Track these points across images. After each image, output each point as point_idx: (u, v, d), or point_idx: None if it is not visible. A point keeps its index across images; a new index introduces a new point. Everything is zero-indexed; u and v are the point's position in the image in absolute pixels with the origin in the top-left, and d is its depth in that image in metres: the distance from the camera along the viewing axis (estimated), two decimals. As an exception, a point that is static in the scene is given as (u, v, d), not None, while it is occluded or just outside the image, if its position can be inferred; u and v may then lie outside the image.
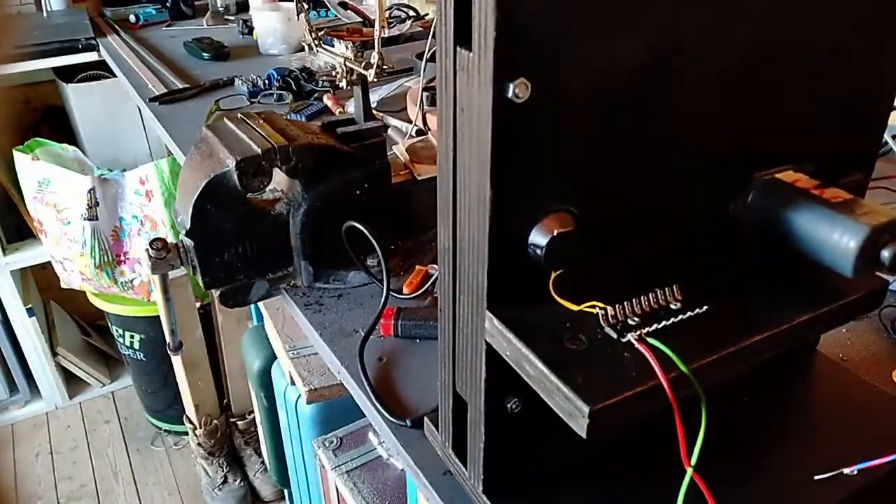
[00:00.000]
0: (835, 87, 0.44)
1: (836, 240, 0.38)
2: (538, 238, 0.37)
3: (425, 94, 1.03)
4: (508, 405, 0.43)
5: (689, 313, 0.38)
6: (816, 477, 0.44)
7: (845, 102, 0.45)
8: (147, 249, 0.68)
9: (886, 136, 0.94)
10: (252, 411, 1.78)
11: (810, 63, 0.42)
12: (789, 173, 0.44)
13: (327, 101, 1.22)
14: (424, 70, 1.02)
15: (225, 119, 0.72)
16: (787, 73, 0.42)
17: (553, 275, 0.39)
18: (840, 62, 0.44)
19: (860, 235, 0.37)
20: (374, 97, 1.22)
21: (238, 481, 1.80)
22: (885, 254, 0.38)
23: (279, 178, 0.71)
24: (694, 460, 0.35)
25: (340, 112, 1.18)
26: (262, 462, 1.81)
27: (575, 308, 0.38)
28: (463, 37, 0.34)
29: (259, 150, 0.65)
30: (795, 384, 0.56)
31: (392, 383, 0.62)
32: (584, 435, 0.33)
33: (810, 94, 0.44)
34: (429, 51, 1.07)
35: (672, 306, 0.38)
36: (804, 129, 0.45)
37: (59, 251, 1.67)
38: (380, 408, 0.58)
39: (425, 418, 0.53)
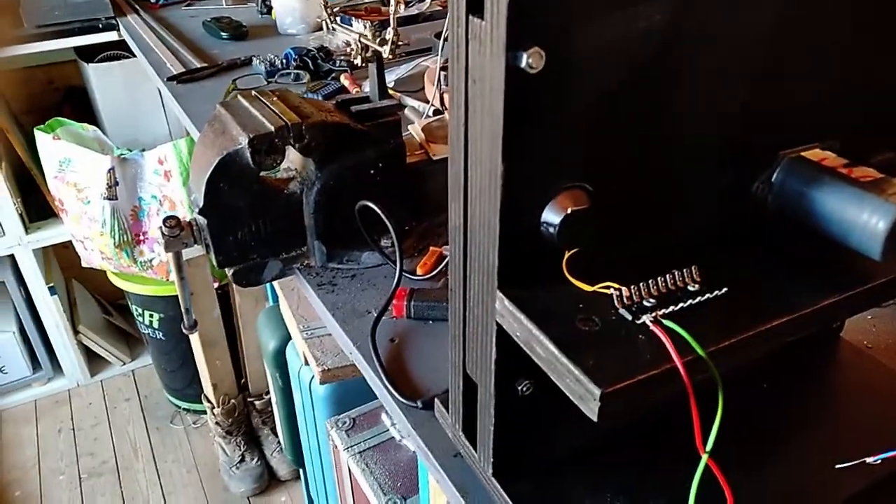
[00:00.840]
0: (864, 61, 0.42)
1: (865, 220, 0.37)
2: (551, 216, 0.36)
3: (443, 73, 1.01)
4: (519, 387, 0.42)
5: (707, 295, 0.37)
6: (837, 465, 0.42)
7: (876, 77, 0.43)
8: (160, 227, 0.68)
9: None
10: (269, 391, 1.79)
11: (837, 36, 0.40)
12: (816, 151, 0.42)
13: (344, 80, 1.21)
14: (442, 49, 1.00)
15: (239, 97, 0.71)
16: (813, 47, 0.40)
17: (566, 254, 0.38)
18: (869, 35, 0.42)
19: (890, 216, 0.36)
20: (392, 77, 1.21)
21: (255, 460, 1.81)
22: (916, 236, 0.36)
23: (293, 157, 0.70)
24: (709, 446, 0.33)
25: (357, 91, 1.17)
26: (279, 441, 1.82)
27: (588, 289, 0.37)
28: (476, 5, 0.32)
29: (272, 128, 0.64)
30: (818, 371, 0.54)
31: (404, 364, 0.61)
32: (595, 418, 0.32)
33: (838, 69, 0.42)
34: (446, 30, 1.05)
35: (690, 288, 0.37)
36: (832, 105, 0.43)
37: (79, 230, 1.69)
38: (391, 389, 0.57)
39: (436, 400, 0.53)
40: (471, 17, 0.33)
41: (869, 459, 0.41)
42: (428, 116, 0.98)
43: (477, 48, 0.33)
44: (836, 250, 0.39)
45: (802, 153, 0.42)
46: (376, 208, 0.68)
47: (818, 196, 0.39)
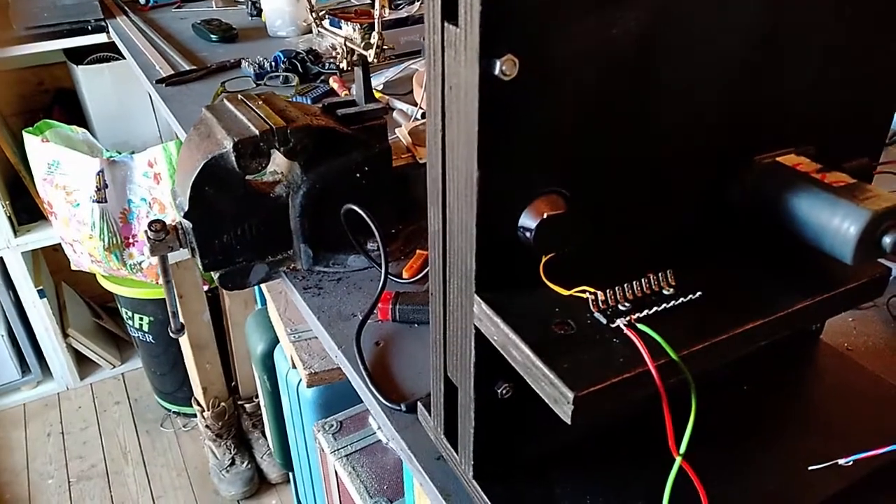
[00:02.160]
0: (840, 67, 0.43)
1: (837, 225, 0.37)
2: (528, 220, 0.37)
3: (431, 76, 1.01)
4: (498, 390, 0.42)
5: (681, 299, 0.37)
6: (810, 467, 0.43)
7: (851, 83, 0.44)
8: (145, 231, 0.68)
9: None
10: (259, 394, 1.79)
11: (812, 43, 0.41)
12: (791, 157, 0.42)
13: (333, 83, 1.21)
14: (430, 52, 1.01)
15: (224, 100, 0.71)
16: (789, 53, 0.40)
17: (543, 259, 0.38)
18: (846, 42, 0.42)
19: (861, 221, 0.36)
20: (381, 79, 1.21)
21: (245, 463, 1.81)
22: (887, 240, 0.36)
23: (278, 160, 0.70)
24: (683, 448, 0.34)
25: (346, 94, 1.17)
26: (269, 444, 1.82)
27: (565, 293, 0.37)
28: (450, 12, 0.33)
29: (257, 132, 0.64)
30: (798, 373, 0.55)
31: (388, 367, 0.62)
32: (568, 421, 0.32)
33: (813, 75, 0.42)
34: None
35: (665, 292, 0.38)
36: (807, 111, 0.44)
37: (68, 233, 1.68)
38: (375, 392, 0.58)
39: (419, 403, 0.53)
40: (446, 23, 0.33)
41: (841, 461, 0.41)
42: (416, 119, 0.99)
43: (452, 55, 0.34)
44: (809, 254, 0.39)
45: (777, 158, 0.42)
46: (362, 212, 0.68)
47: (792, 201, 0.40)
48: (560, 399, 0.32)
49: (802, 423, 0.48)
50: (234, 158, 0.63)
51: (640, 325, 0.35)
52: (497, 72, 0.31)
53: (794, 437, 0.47)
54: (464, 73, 0.33)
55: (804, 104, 0.43)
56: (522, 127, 0.34)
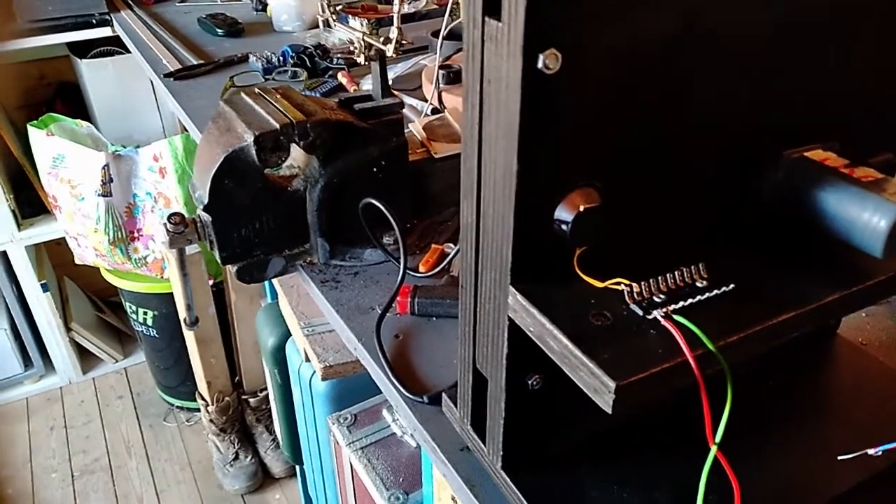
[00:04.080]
0: (863, 61, 0.43)
1: (867, 219, 0.38)
2: (564, 213, 0.37)
3: (441, 72, 1.02)
4: (529, 382, 0.42)
5: (715, 291, 0.38)
6: (840, 457, 0.43)
7: (874, 77, 0.45)
8: (165, 224, 0.68)
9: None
10: (264, 389, 1.79)
11: (838, 39, 0.41)
12: (818, 152, 0.43)
13: (342, 78, 1.21)
14: (441, 48, 1.01)
15: (242, 93, 0.72)
16: (815, 49, 0.41)
17: (578, 251, 0.39)
18: (868, 38, 0.43)
19: (891, 215, 0.37)
20: (389, 75, 1.21)
21: (249, 458, 1.81)
22: (917, 234, 0.37)
23: (296, 154, 0.70)
24: (719, 437, 0.34)
25: (355, 89, 1.18)
26: (273, 439, 1.82)
27: (599, 285, 0.38)
28: (492, 6, 0.33)
29: (277, 125, 0.64)
30: (816, 367, 0.55)
31: (408, 360, 0.62)
32: (609, 410, 0.33)
33: (838, 69, 0.43)
34: (445, 28, 1.06)
35: (698, 284, 0.38)
36: (833, 106, 0.44)
37: (73, 227, 1.68)
38: (397, 384, 0.58)
39: (443, 394, 0.54)
40: (487, 18, 0.34)
41: (870, 451, 0.42)
42: (426, 115, 0.99)
43: (493, 49, 0.34)
44: (840, 248, 0.40)
45: (805, 153, 0.43)
46: (380, 206, 0.68)
47: (821, 195, 0.40)
48: (601, 389, 0.33)
49: (827, 414, 0.49)
50: (254, 152, 0.64)
51: (676, 317, 0.35)
52: (541, 65, 0.32)
53: (820, 428, 0.47)
54: (505, 66, 0.33)
55: (830, 99, 0.44)
56: (561, 121, 0.35)
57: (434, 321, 0.67)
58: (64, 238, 1.77)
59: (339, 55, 1.30)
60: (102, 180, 1.58)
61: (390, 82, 1.20)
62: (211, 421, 1.80)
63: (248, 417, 1.87)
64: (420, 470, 0.78)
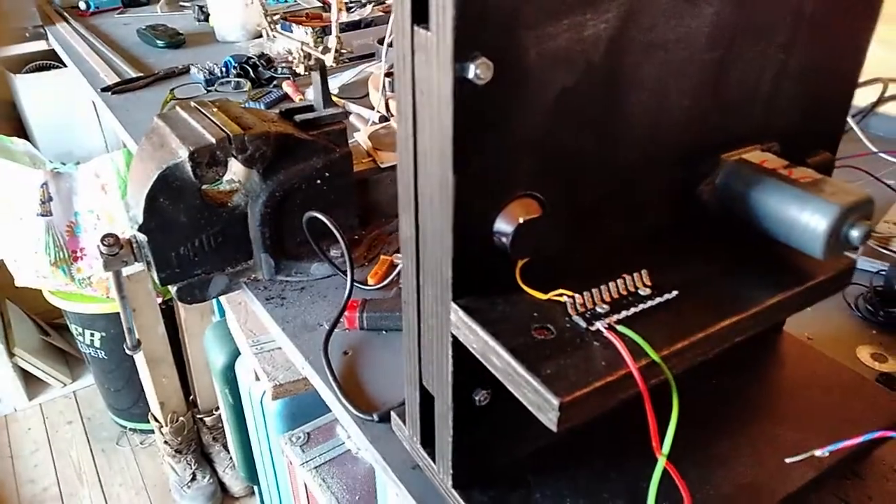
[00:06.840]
0: (800, 65, 0.44)
1: (806, 221, 0.38)
2: (504, 225, 0.36)
3: (387, 79, 1.00)
4: (476, 398, 0.41)
5: (658, 299, 0.37)
6: (787, 460, 0.43)
7: (809, 78, 0.45)
8: (98, 246, 0.65)
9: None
10: (219, 407, 1.74)
11: (774, 40, 0.42)
12: (756, 153, 0.43)
13: (287, 88, 1.19)
14: (386, 55, 1.00)
15: (178, 108, 0.69)
16: (750, 51, 0.41)
17: (520, 263, 0.38)
18: (804, 39, 0.43)
19: (830, 215, 0.37)
20: (336, 83, 1.19)
21: (207, 478, 1.77)
22: (854, 233, 0.37)
23: (236, 169, 0.68)
24: (666, 449, 0.34)
25: (301, 99, 1.15)
26: (231, 458, 1.78)
27: (542, 297, 0.37)
28: (421, 15, 0.32)
29: (213, 140, 0.62)
30: (762, 365, 0.56)
31: (358, 377, 0.60)
32: (554, 428, 0.32)
33: (775, 71, 0.43)
34: (390, 35, 1.05)
35: (641, 292, 0.38)
36: (770, 107, 0.44)
37: (11, 249, 1.61)
38: (346, 403, 0.56)
39: (392, 413, 0.52)
40: (416, 27, 0.33)
41: (818, 452, 0.42)
42: (374, 123, 0.98)
43: (423, 59, 0.33)
44: (780, 250, 0.40)
45: (743, 156, 0.43)
46: (325, 219, 0.66)
47: (761, 197, 0.40)
48: (545, 406, 0.32)
49: (773, 413, 0.49)
50: (189, 168, 0.61)
51: (619, 327, 0.35)
52: (471, 75, 0.31)
53: (767, 428, 0.47)
54: (436, 77, 0.32)
55: (766, 101, 0.44)
56: (496, 131, 0.34)
57: (384, 335, 0.66)
58: (2, 261, 1.69)
59: (283, 65, 1.27)
60: (41, 199, 1.52)
61: (337, 91, 1.18)
62: (166, 442, 1.74)
63: (205, 437, 1.82)
64: (376, 487, 0.77)
